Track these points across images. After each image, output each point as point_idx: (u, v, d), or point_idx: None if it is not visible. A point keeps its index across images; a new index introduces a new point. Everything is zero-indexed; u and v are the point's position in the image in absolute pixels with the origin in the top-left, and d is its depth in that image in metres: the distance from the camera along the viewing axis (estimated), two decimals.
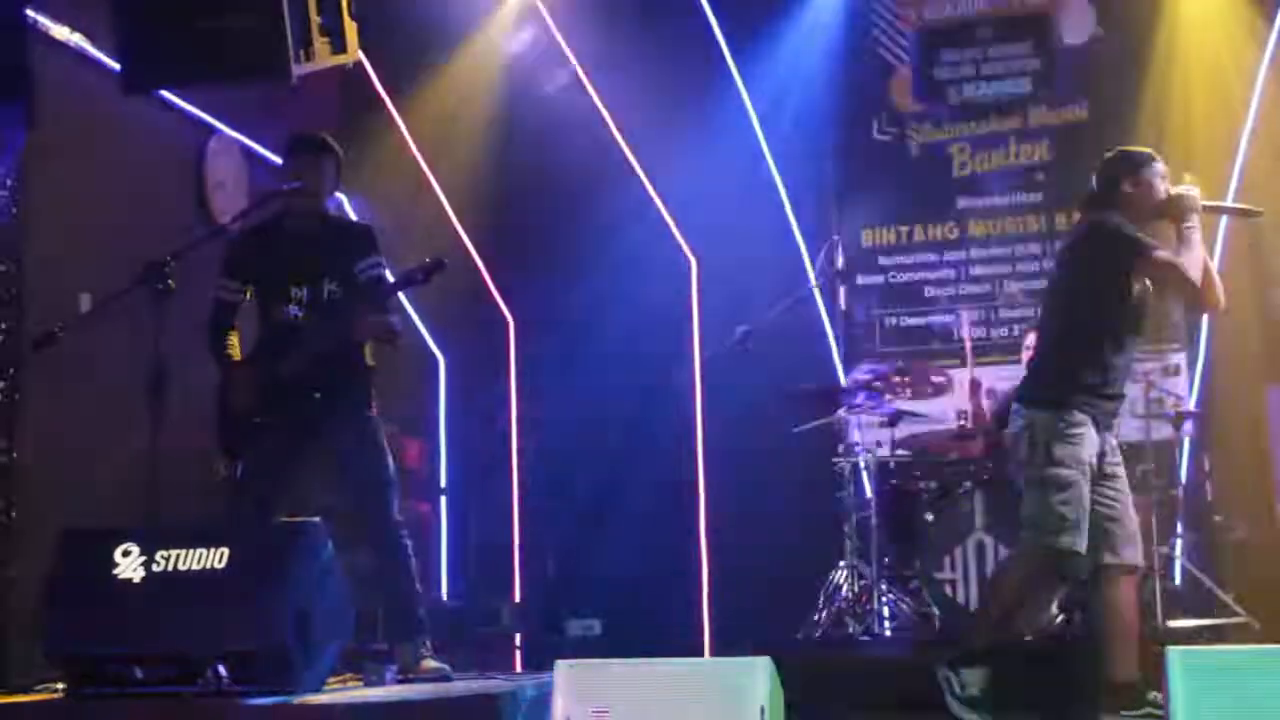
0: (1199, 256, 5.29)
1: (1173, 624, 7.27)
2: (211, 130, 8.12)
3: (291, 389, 5.61)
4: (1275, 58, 8.90)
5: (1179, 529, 7.81)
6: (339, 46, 6.27)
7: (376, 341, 5.85)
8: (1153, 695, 5.06)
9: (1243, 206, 5.88)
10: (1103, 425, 5.37)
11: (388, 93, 9.28)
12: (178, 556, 4.49)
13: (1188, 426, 8.29)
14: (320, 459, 5.74)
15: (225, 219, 7.33)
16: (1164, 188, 5.45)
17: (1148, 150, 5.55)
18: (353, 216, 8.72)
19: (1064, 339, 5.49)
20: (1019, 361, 8.38)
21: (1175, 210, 5.42)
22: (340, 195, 8.13)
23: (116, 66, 6.95)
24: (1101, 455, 5.34)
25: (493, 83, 9.62)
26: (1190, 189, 5.45)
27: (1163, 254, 5.28)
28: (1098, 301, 5.38)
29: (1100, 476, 5.33)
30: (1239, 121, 8.90)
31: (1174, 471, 8.08)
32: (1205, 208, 5.48)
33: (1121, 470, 5.46)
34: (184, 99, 7.80)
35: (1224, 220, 8.47)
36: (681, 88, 9.37)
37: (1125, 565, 5.33)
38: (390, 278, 5.84)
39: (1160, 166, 5.47)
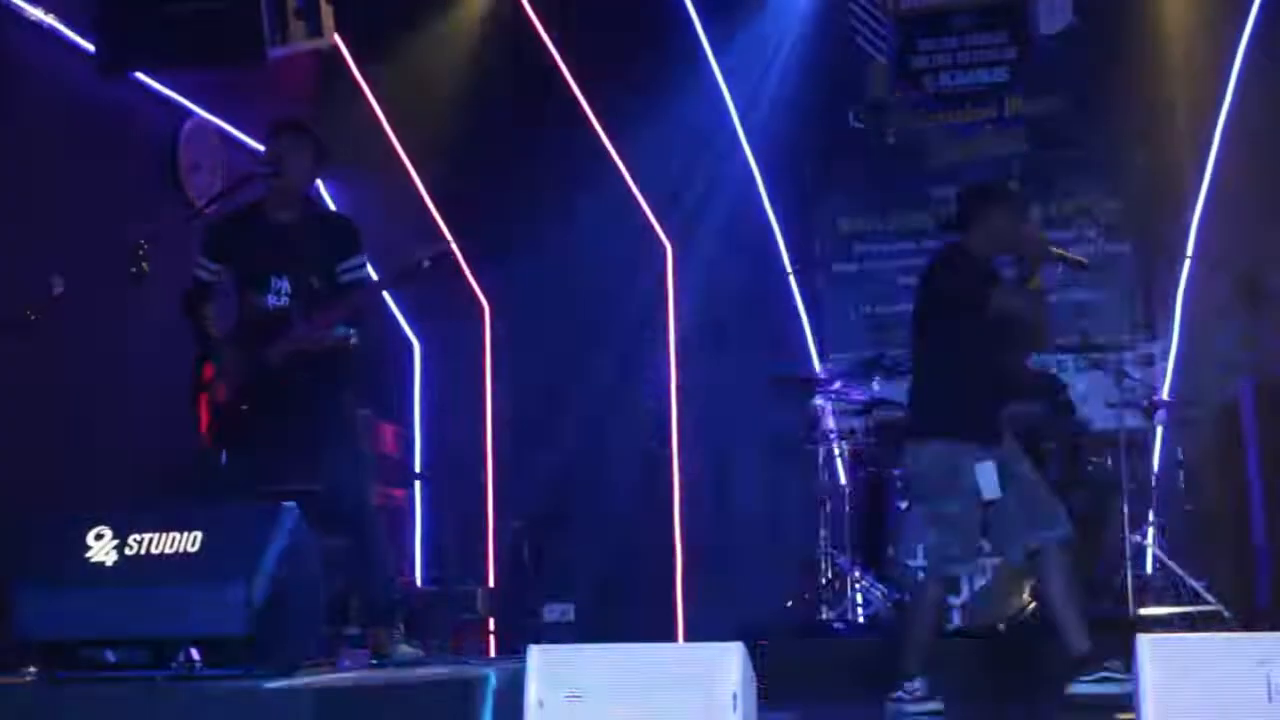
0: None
1: (1144, 612, 7.31)
2: (187, 113, 8.09)
3: (272, 375, 5.60)
4: (1251, 47, 8.92)
5: (1151, 517, 7.85)
6: (314, 29, 6.27)
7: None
8: (1109, 662, 5.22)
9: (1076, 258, 6.04)
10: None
11: (363, 77, 9.25)
12: (151, 540, 4.47)
13: (1160, 416, 8.32)
14: (297, 444, 5.73)
15: (200, 202, 7.31)
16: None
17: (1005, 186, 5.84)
18: (330, 203, 8.71)
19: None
20: None
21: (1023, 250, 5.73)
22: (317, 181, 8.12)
23: (91, 49, 6.94)
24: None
25: (469, 69, 9.60)
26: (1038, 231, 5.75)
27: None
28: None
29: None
30: (1215, 111, 8.92)
31: (1146, 461, 8.12)
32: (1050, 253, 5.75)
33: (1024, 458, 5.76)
34: (159, 81, 7.77)
35: (1200, 205, 8.56)
36: (658, 74, 9.37)
37: (1054, 540, 5.56)
38: (374, 276, 5.82)
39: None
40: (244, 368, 5.64)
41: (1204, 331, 8.76)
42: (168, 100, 7.93)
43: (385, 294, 8.68)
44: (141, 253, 5.23)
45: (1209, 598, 7.39)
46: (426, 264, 5.61)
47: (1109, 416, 8.02)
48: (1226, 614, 7.28)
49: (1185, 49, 9.12)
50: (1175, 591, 7.52)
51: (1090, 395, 8.51)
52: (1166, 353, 9.05)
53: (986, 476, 5.54)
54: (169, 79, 7.80)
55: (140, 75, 7.60)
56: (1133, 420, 8.00)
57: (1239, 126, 8.83)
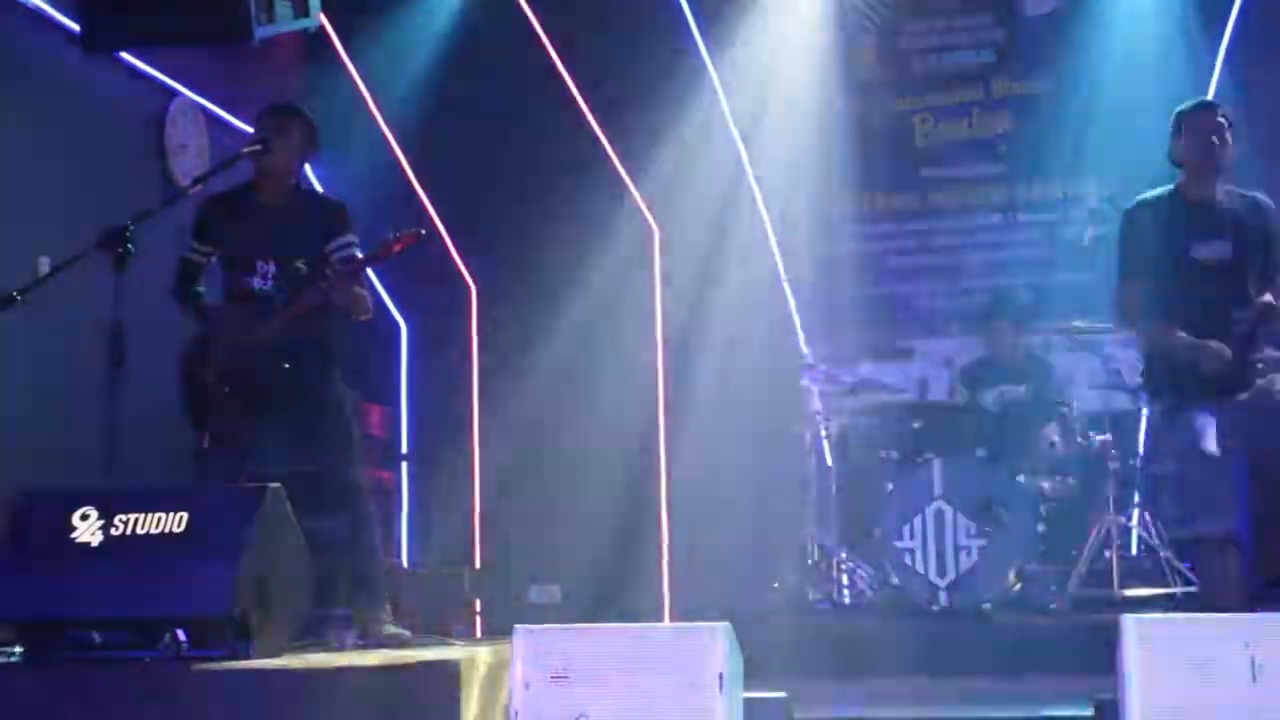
0: None
1: (1128, 593, 7.32)
2: (173, 93, 8.06)
3: (259, 356, 5.59)
4: (1238, 28, 8.92)
5: (1136, 499, 7.86)
6: (301, 9, 6.24)
7: (348, 313, 5.83)
8: None
9: None
10: None
11: (350, 58, 9.23)
12: (137, 520, 4.47)
13: (1145, 397, 8.32)
14: (284, 425, 5.73)
15: (187, 182, 7.29)
16: None
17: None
18: (316, 185, 8.69)
19: None
20: (980, 332, 8.42)
21: None
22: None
23: (76, 27, 6.90)
24: None
25: (457, 51, 9.57)
26: None
27: None
28: None
29: None
30: (1201, 92, 8.92)
31: (1132, 442, 8.13)
32: None
33: None
34: (145, 61, 7.74)
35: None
36: (646, 56, 9.35)
37: None
38: (360, 254, 5.81)
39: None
40: (230, 349, 5.63)
41: None
42: (154, 80, 7.90)
43: (372, 275, 8.65)
44: (128, 234, 5.21)
45: (1194, 579, 7.40)
46: (397, 247, 5.60)
47: (1095, 398, 8.04)
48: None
49: (1170, 29, 9.11)
50: (1161, 574, 7.53)
51: (1076, 376, 8.52)
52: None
53: None
54: (154, 58, 7.78)
55: (126, 55, 7.57)
56: (1118, 402, 8.01)
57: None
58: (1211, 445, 5.18)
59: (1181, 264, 5.36)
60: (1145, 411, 8.37)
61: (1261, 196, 5.64)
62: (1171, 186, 5.61)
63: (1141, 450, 8.10)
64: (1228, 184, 5.58)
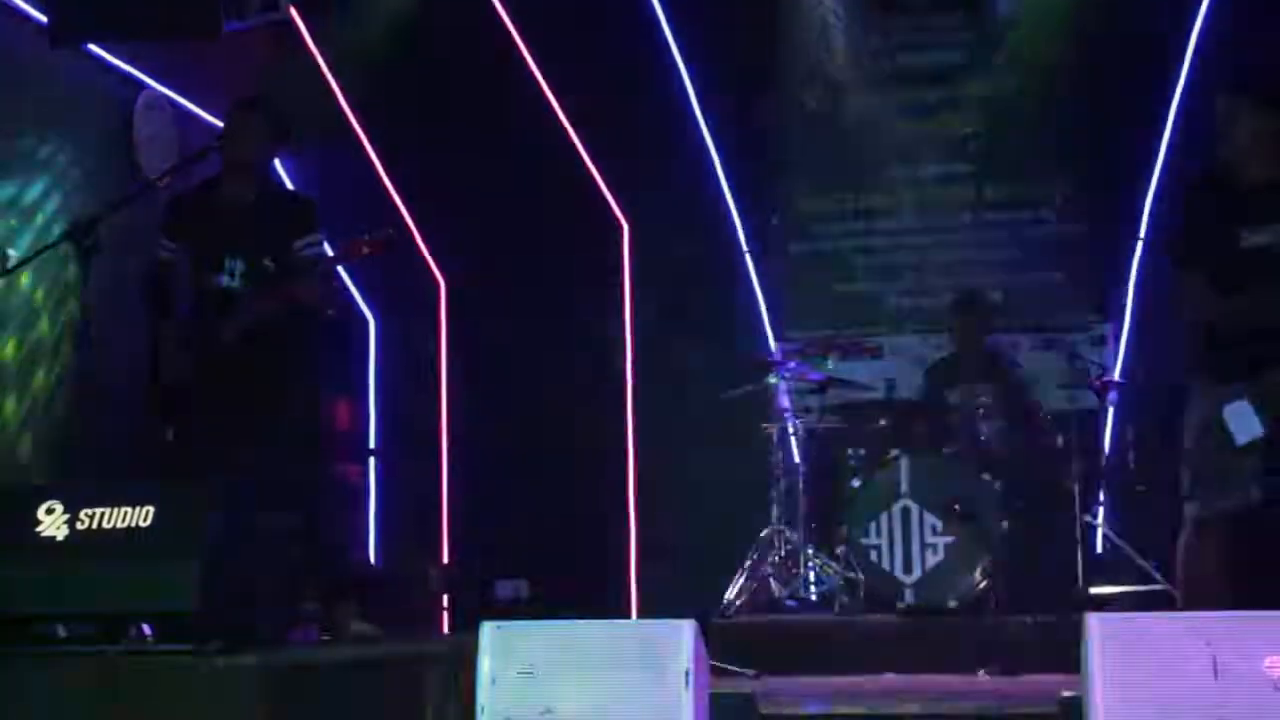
0: None
1: (1093, 591, 7.37)
2: (141, 85, 8.03)
3: (226, 352, 5.58)
4: (1205, 27, 8.97)
5: (1101, 497, 7.90)
6: (270, 2, 6.23)
7: (311, 307, 5.81)
8: None
9: None
10: None
11: (319, 52, 9.20)
12: (102, 515, 4.45)
13: (1112, 396, 8.38)
14: (251, 421, 5.71)
15: (155, 175, 7.26)
16: None
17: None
18: (285, 180, 8.67)
19: None
20: (948, 330, 8.45)
21: None
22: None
23: (43, 19, 6.88)
24: None
25: (426, 45, 9.54)
26: None
27: None
28: None
29: None
30: (1169, 92, 8.97)
31: (1098, 441, 8.17)
32: None
33: None
34: (112, 53, 7.71)
35: (1152, 188, 8.57)
36: (616, 51, 9.34)
37: None
38: (330, 251, 5.79)
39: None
40: (197, 345, 5.61)
41: (1156, 313, 8.80)
42: (121, 72, 7.87)
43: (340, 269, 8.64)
44: (96, 227, 5.19)
45: (1158, 577, 7.44)
46: (366, 250, 5.60)
47: (1061, 397, 8.08)
48: (1175, 593, 7.34)
49: (1140, 30, 9.15)
50: (1125, 571, 7.58)
51: (1043, 375, 8.56)
52: (1119, 333, 9.12)
53: None
54: (122, 50, 7.74)
55: (93, 47, 7.54)
56: (1084, 401, 8.05)
57: (1191, 110, 8.87)
58: (1243, 432, 5.13)
59: (1233, 251, 5.24)
60: (1113, 409, 8.44)
61: None
62: (1226, 167, 5.48)
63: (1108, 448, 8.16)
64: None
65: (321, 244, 5.79)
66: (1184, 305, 5.37)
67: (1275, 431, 5.09)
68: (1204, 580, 5.23)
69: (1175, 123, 8.91)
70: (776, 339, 9.56)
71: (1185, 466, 5.31)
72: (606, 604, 8.66)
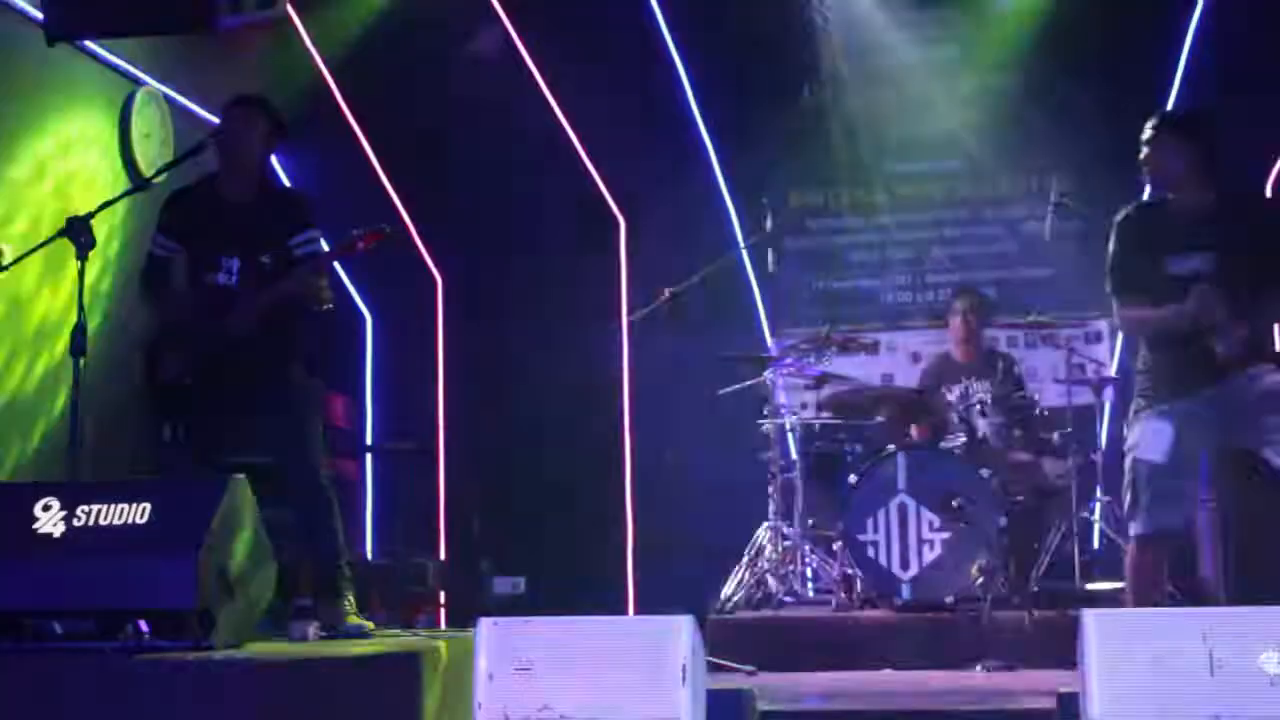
0: None
1: (1090, 587, 7.37)
2: (137, 81, 8.03)
3: (224, 350, 5.57)
4: (1201, 22, 8.98)
5: (1098, 493, 7.90)
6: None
7: (309, 303, 5.81)
8: None
9: None
10: None
11: (315, 47, 9.20)
12: (99, 511, 4.45)
13: (1108, 392, 8.38)
14: (248, 417, 5.70)
15: (151, 171, 7.25)
16: None
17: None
18: (283, 177, 8.67)
19: None
20: (944, 326, 8.46)
21: None
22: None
23: (39, 15, 6.87)
24: None
25: (422, 39, 9.55)
26: None
27: None
28: None
29: None
30: (1165, 89, 8.97)
31: (1094, 437, 8.17)
32: None
33: None
34: (108, 49, 7.70)
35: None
36: (613, 46, 9.35)
37: None
38: (326, 247, 5.79)
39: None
40: (195, 344, 5.61)
41: None
42: (118, 68, 7.87)
43: (336, 265, 8.65)
44: (90, 224, 5.19)
45: None
46: (361, 245, 5.59)
47: (1058, 393, 8.08)
48: (1170, 589, 7.35)
49: (1137, 25, 9.15)
50: (1121, 567, 7.57)
51: (1040, 371, 8.56)
52: (1115, 329, 9.12)
53: None
54: (119, 47, 7.74)
55: (89, 43, 7.54)
56: (1081, 396, 8.05)
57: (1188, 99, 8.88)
58: (1148, 450, 5.22)
59: (1161, 279, 5.29)
60: (1109, 405, 8.46)
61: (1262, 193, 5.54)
62: (1159, 195, 5.56)
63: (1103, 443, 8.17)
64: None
65: (318, 241, 5.78)
66: (1123, 328, 5.44)
67: (1214, 452, 5.21)
68: (1148, 596, 5.29)
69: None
70: (773, 335, 9.57)
71: (1126, 486, 5.38)
72: (604, 600, 8.66)
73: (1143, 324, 5.35)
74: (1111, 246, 5.46)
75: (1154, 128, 5.43)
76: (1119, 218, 5.51)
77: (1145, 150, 5.42)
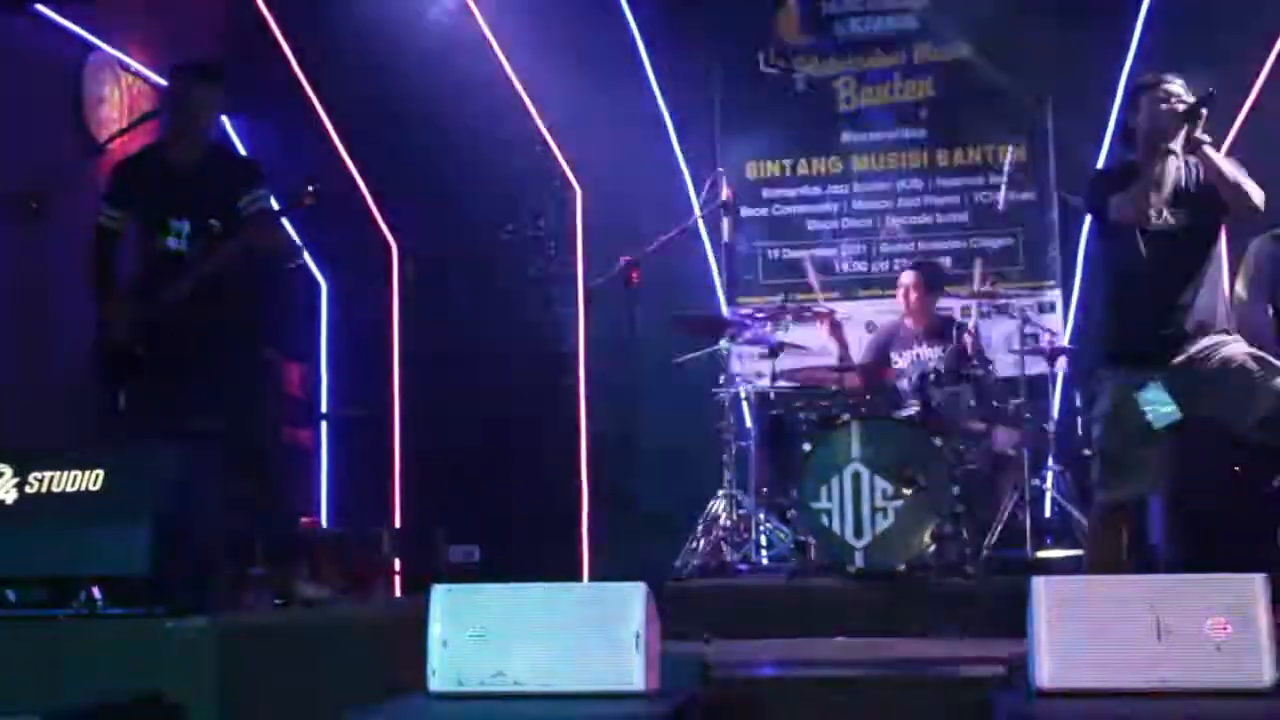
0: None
1: (1041, 554, 7.43)
2: (91, 46, 7.96)
3: (175, 315, 5.55)
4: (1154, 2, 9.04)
5: (1050, 462, 7.96)
6: None
7: (269, 254, 5.80)
8: None
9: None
10: None
11: (270, 12, 9.14)
12: (52, 479, 4.44)
13: (1061, 362, 8.43)
14: (202, 384, 5.68)
15: (104, 137, 7.21)
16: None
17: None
18: (237, 143, 8.62)
19: None
20: (898, 295, 8.49)
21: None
22: (224, 119, 8.03)
23: None
24: None
25: (384, 9, 9.50)
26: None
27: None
28: None
29: None
30: (1120, 60, 9.00)
31: (1047, 406, 8.23)
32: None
33: None
34: (62, 14, 7.64)
35: (1103, 154, 8.61)
36: (568, 16, 9.32)
37: None
38: (275, 205, 5.78)
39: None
40: (146, 310, 5.59)
41: None
42: (71, 33, 7.80)
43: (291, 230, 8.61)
44: (43, 190, 5.17)
45: None
46: (309, 201, 5.58)
47: (1011, 363, 8.13)
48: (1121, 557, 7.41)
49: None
50: (1072, 535, 7.64)
51: (993, 341, 8.61)
52: (1068, 300, 9.19)
53: None
54: (71, 12, 7.68)
55: (42, 7, 7.48)
56: (1034, 366, 8.11)
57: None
58: (1161, 418, 5.24)
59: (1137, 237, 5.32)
60: (1062, 374, 8.52)
61: None
62: (1130, 158, 5.57)
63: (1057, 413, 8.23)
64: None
65: (267, 199, 5.78)
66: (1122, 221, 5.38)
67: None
68: (1107, 565, 5.34)
69: (1125, 91, 8.93)
70: (729, 304, 9.59)
71: (1093, 456, 5.42)
72: (558, 568, 8.68)
73: (1135, 201, 5.27)
74: (1088, 193, 5.51)
75: (1136, 88, 5.46)
76: (1096, 175, 5.56)
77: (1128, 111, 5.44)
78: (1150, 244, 5.27)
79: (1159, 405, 5.22)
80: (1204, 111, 5.15)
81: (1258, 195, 5.19)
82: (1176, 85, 5.32)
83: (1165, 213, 5.24)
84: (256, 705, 4.14)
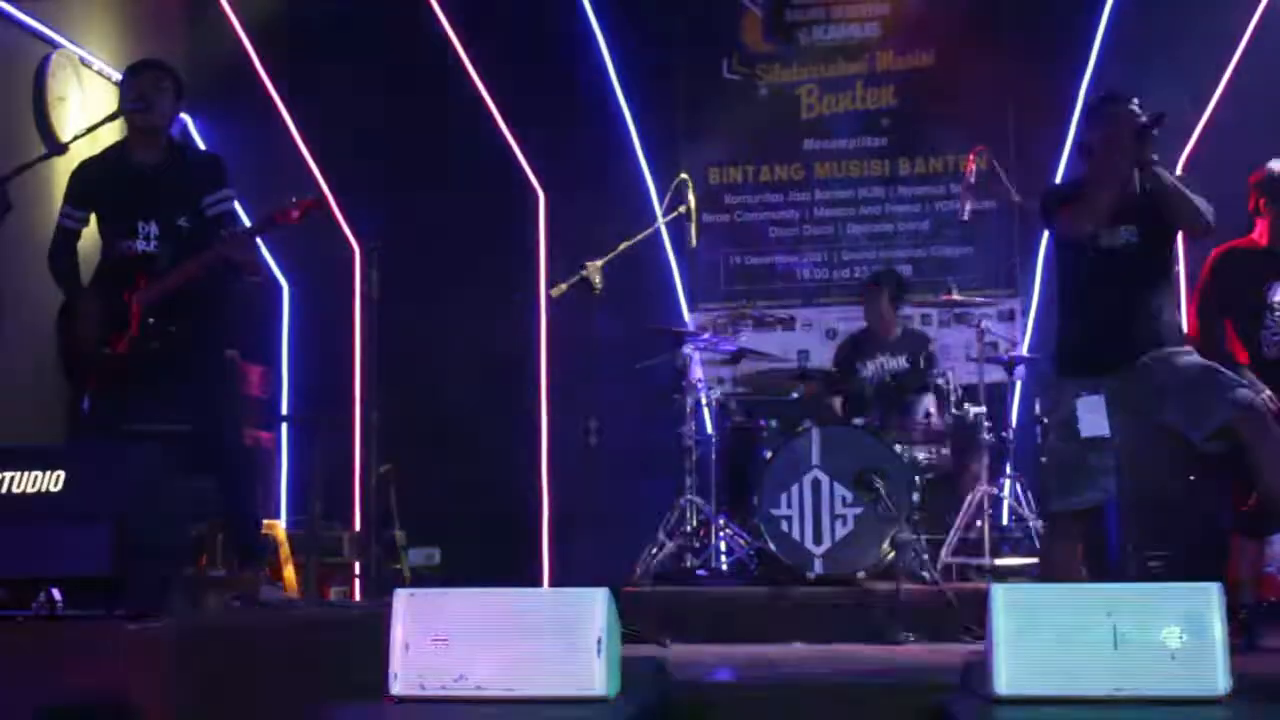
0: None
1: (999, 562, 7.48)
2: (52, 44, 7.93)
3: (140, 318, 5.53)
4: (1115, 9, 9.10)
5: (1008, 470, 8.01)
6: None
7: (243, 272, 5.79)
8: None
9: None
10: None
11: (234, 12, 9.12)
12: (12, 479, 4.41)
13: (1020, 371, 8.49)
14: (164, 385, 5.67)
15: (67, 136, 7.18)
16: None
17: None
18: (198, 141, 8.60)
19: None
20: (859, 302, 8.52)
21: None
22: (185, 118, 8.01)
23: None
24: None
25: (344, 12, 9.49)
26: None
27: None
28: None
29: None
30: (1079, 70, 9.07)
31: (1005, 415, 8.28)
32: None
33: None
34: (23, 10, 7.61)
35: (1063, 164, 8.65)
36: (534, 21, 9.34)
37: None
38: (239, 207, 5.76)
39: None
40: (111, 312, 5.56)
41: None
42: (33, 30, 7.77)
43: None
44: (5, 188, 5.14)
45: None
46: (296, 214, 5.58)
47: (970, 371, 8.18)
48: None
49: (1052, 5, 9.28)
50: (1030, 543, 7.69)
51: (953, 349, 8.66)
52: (1027, 309, 9.24)
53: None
54: (33, 8, 7.65)
55: (3, 4, 7.44)
56: (993, 374, 8.16)
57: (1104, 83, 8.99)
58: (1090, 427, 5.28)
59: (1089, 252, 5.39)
60: (1020, 383, 8.56)
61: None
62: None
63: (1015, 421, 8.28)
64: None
65: (232, 200, 5.77)
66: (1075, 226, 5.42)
67: (1130, 428, 5.29)
68: (1060, 573, 5.38)
69: (1083, 107, 9.01)
70: (690, 310, 9.61)
71: (1047, 464, 5.47)
72: (519, 572, 8.69)
73: (1088, 204, 5.32)
74: (1040, 206, 5.58)
75: (1094, 104, 5.53)
76: (1047, 194, 5.63)
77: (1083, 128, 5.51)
78: (1102, 259, 5.34)
79: (1089, 414, 5.29)
80: (1155, 132, 5.22)
81: (1208, 213, 5.25)
82: (1131, 105, 5.37)
83: (1119, 229, 5.32)
84: (216, 708, 4.14)
